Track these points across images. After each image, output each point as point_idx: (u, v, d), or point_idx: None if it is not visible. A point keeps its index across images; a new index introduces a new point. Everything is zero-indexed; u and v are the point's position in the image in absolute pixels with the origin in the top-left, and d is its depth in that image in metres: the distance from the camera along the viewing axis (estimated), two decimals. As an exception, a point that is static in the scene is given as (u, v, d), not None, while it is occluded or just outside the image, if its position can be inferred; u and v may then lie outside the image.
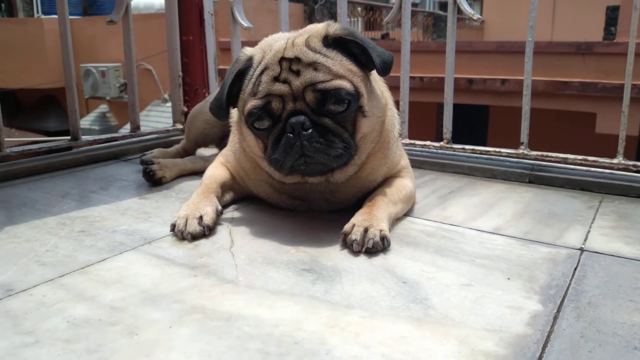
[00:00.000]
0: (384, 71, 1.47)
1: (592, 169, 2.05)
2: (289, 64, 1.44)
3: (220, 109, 1.54)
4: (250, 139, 1.56)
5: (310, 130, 1.41)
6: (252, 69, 1.49)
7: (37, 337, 1.01)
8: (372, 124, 1.52)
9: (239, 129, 1.66)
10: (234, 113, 1.71)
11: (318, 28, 1.51)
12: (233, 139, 1.79)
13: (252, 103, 1.45)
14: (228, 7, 2.70)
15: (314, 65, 1.43)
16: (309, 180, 1.58)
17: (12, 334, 1.02)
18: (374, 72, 1.54)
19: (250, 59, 1.51)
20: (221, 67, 2.90)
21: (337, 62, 1.45)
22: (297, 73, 1.43)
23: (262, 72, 1.46)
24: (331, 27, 1.49)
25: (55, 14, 2.17)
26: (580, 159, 2.07)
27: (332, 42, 1.47)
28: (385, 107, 1.61)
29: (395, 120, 1.71)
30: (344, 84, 1.42)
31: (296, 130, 1.41)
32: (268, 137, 1.48)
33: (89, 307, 1.12)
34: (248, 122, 1.49)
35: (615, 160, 2.00)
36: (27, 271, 1.29)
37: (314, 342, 1.00)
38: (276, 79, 1.44)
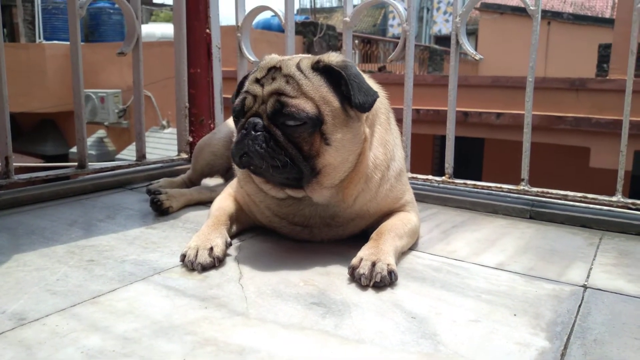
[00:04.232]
0: (361, 108, 1.52)
1: (592, 205, 2.09)
2: (273, 72, 1.56)
3: (232, 99, 1.69)
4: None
5: (258, 134, 1.51)
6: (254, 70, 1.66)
7: (51, 368, 1.02)
8: (339, 155, 1.54)
9: None
10: None
11: (318, 56, 1.60)
12: None
13: (236, 100, 1.62)
14: (232, 38, 2.77)
15: (287, 78, 1.53)
16: (290, 195, 1.63)
17: (27, 364, 1.03)
18: (381, 116, 1.65)
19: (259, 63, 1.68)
20: (225, 96, 2.96)
21: (312, 85, 1.52)
22: (273, 80, 1.55)
23: (252, 73, 1.63)
24: (329, 57, 1.57)
25: (57, 39, 2.22)
26: (580, 196, 2.11)
27: (322, 69, 1.55)
28: (364, 143, 1.60)
29: (393, 163, 1.72)
30: (304, 105, 1.50)
31: (248, 129, 1.53)
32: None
33: (103, 338, 1.13)
34: (232, 116, 1.64)
35: (614, 198, 2.05)
36: (38, 300, 1.30)
37: (327, 376, 1.02)
38: (258, 80, 1.58)
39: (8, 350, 1.07)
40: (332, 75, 1.54)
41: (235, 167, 1.84)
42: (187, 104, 2.86)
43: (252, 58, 2.73)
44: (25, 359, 1.04)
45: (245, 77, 1.68)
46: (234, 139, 1.62)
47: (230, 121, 1.91)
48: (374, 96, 1.56)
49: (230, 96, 1.75)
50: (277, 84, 1.53)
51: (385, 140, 1.70)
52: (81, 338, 1.13)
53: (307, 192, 1.61)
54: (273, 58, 1.64)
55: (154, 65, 7.74)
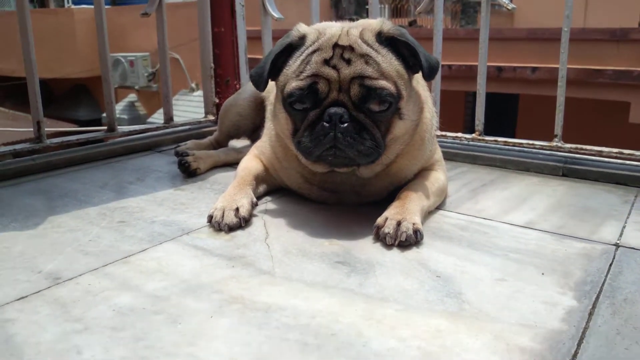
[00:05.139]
0: (430, 76, 1.51)
1: (628, 162, 2.01)
2: (342, 51, 1.45)
3: (261, 78, 1.54)
4: (282, 117, 1.57)
5: (347, 124, 1.42)
6: (304, 47, 1.51)
7: (85, 324, 1.06)
8: (406, 126, 1.53)
9: (274, 105, 1.66)
10: (271, 93, 1.75)
11: (372, 23, 1.53)
12: (269, 125, 1.82)
13: (296, 84, 1.46)
14: (257, -3, 2.72)
15: (365, 58, 1.44)
16: (335, 170, 1.59)
17: (62, 320, 1.07)
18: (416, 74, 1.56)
19: (303, 37, 1.52)
20: (249, 56, 2.93)
21: (387, 61, 1.47)
22: (348, 62, 1.44)
23: (313, 52, 1.47)
24: (385, 25, 1.51)
25: (85, 4, 2.22)
26: (616, 152, 2.04)
27: (385, 40, 1.49)
28: (422, 110, 1.61)
29: (433, 120, 1.72)
30: (389, 85, 1.44)
31: (333, 121, 1.42)
32: (302, 120, 1.49)
33: (133, 296, 1.17)
34: (287, 101, 1.49)
35: (652, 154, 1.97)
36: (72, 260, 1.35)
37: (351, 334, 1.03)
38: (327, 62, 1.45)
39: (45, 307, 1.12)
40: (393, 45, 1.49)
41: (271, 136, 1.77)
42: (212, 65, 2.85)
43: (276, 15, 2.68)
44: (61, 316, 1.09)
45: (281, 53, 1.52)
46: (304, 132, 1.47)
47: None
48: (437, 62, 1.53)
49: (258, 57, 1.68)
50: (359, 67, 1.42)
51: (426, 98, 1.68)
52: (113, 296, 1.16)
53: (360, 168, 1.58)
54: (333, 31, 1.49)
55: (182, 27, 7.73)
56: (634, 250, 1.41)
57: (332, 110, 1.42)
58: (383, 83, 1.43)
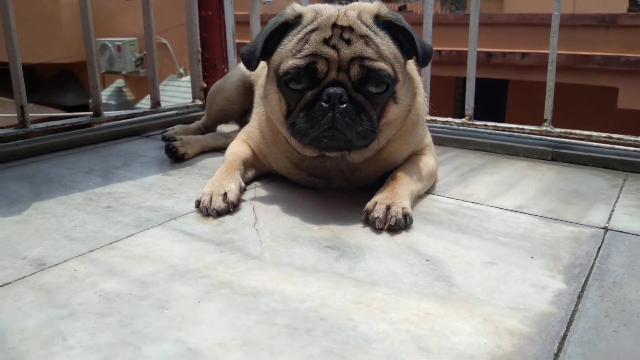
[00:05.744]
0: (425, 62, 1.50)
1: (617, 146, 2.02)
2: (341, 31, 1.43)
3: (253, 57, 1.50)
4: (273, 97, 1.53)
5: (346, 105, 1.40)
6: (300, 26, 1.47)
7: (71, 310, 1.04)
8: (399, 111, 1.53)
9: (264, 86, 1.62)
10: (260, 76, 1.73)
11: (369, 6, 1.51)
12: (257, 109, 1.80)
13: (293, 62, 1.42)
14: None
15: (365, 39, 1.42)
16: (325, 154, 1.57)
17: (47, 307, 1.05)
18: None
19: (299, 16, 1.49)
20: (237, 41, 2.89)
21: (385, 44, 1.46)
22: (348, 42, 1.42)
23: (312, 31, 1.44)
24: (383, 9, 1.49)
25: (73, -12, 2.16)
26: (605, 137, 2.04)
27: (382, 24, 1.48)
28: (415, 95, 1.61)
29: (424, 105, 1.72)
30: (387, 67, 1.42)
31: (332, 101, 1.39)
32: (298, 100, 1.45)
33: (120, 282, 1.15)
34: (282, 79, 1.45)
35: (640, 138, 1.97)
36: (57, 246, 1.32)
37: (340, 318, 1.02)
38: (326, 41, 1.42)
39: (29, 293, 1.10)
40: (390, 29, 1.48)
41: (260, 120, 1.74)
42: (199, 49, 2.80)
43: (264, -1, 2.64)
44: (46, 302, 1.07)
45: (275, 31, 1.49)
46: (299, 113, 1.43)
47: (242, 65, 1.80)
48: (431, 49, 1.53)
49: (246, 41, 1.65)
50: (359, 48, 1.40)
51: (419, 83, 1.68)
52: (99, 282, 1.15)
53: (351, 153, 1.55)
54: (331, 12, 1.47)
55: (169, 12, 7.61)
56: (622, 233, 1.41)
57: (332, 90, 1.40)
58: (382, 65, 1.42)
